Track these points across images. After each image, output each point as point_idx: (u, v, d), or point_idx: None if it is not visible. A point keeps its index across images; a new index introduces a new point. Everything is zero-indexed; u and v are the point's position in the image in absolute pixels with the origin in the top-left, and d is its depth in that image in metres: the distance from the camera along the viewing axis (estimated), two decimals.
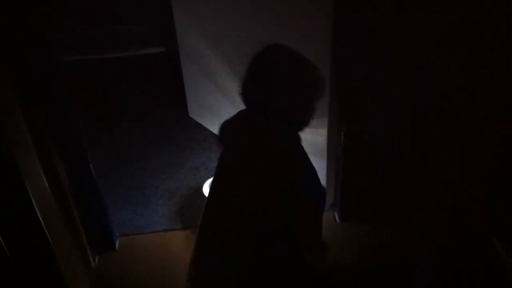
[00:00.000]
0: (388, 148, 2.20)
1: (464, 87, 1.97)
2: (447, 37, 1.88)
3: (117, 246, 2.27)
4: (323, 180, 2.28)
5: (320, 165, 2.25)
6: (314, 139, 2.25)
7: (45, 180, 1.74)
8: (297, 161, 1.33)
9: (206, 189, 2.45)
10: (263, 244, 1.34)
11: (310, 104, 1.38)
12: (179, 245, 2.30)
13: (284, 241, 1.35)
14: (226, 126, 1.51)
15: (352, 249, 2.17)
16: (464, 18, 1.83)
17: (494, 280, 1.96)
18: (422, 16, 1.84)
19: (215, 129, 3.11)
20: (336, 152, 2.18)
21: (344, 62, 1.93)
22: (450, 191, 2.26)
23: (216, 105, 2.91)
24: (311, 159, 1.36)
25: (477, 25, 1.84)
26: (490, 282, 1.97)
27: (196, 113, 3.21)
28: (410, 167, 2.24)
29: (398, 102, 2.05)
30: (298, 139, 1.38)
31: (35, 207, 1.56)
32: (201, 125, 3.18)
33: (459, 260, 2.05)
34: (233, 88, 2.70)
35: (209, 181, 2.49)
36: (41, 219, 1.60)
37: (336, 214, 2.33)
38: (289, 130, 1.37)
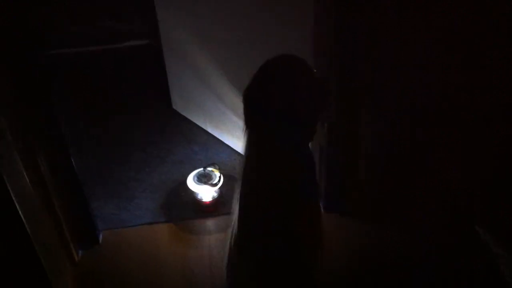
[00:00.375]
0: (388, 148, 2.20)
1: (464, 87, 1.97)
2: (447, 37, 1.88)
3: (100, 241, 2.28)
4: None
5: None
6: None
7: (26, 175, 1.74)
8: (297, 161, 1.33)
9: (190, 182, 2.44)
10: (263, 244, 1.34)
11: (312, 106, 1.38)
12: (163, 238, 2.31)
13: (284, 241, 1.35)
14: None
15: (352, 249, 2.17)
16: (464, 18, 1.83)
17: (494, 280, 1.96)
18: (422, 16, 1.84)
19: (199, 122, 3.11)
20: (320, 143, 2.18)
21: (344, 62, 1.93)
22: (450, 191, 2.26)
23: (200, 97, 2.91)
24: None
25: (477, 25, 1.84)
26: (490, 282, 1.97)
27: (180, 106, 3.20)
28: (410, 167, 2.24)
29: (398, 102, 2.05)
30: (300, 139, 1.38)
31: (15, 202, 1.55)
32: (185, 118, 3.17)
33: (459, 260, 2.05)
34: (217, 80, 2.70)
35: (193, 174, 2.48)
36: (21, 214, 1.59)
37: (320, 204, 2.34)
38: (291, 131, 1.37)
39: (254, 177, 1.35)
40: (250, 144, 1.37)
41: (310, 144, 1.42)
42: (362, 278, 2.04)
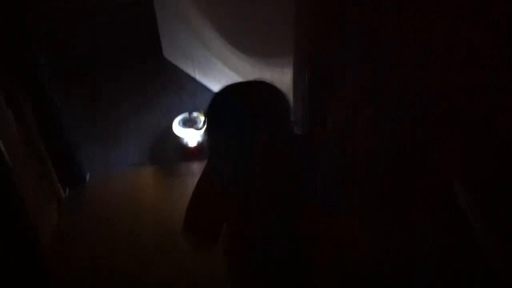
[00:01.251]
0: (388, 148, 2.20)
1: (464, 87, 1.97)
2: (447, 37, 1.88)
3: (87, 181, 2.32)
4: None
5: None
6: (280, 79, 2.26)
7: (12, 117, 1.73)
8: (298, 162, 1.33)
9: (176, 127, 2.47)
10: (263, 245, 1.34)
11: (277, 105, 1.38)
12: (148, 181, 2.36)
13: (284, 242, 1.35)
14: None
15: (352, 249, 2.17)
16: (464, 18, 1.83)
17: (494, 280, 1.96)
18: (422, 16, 1.84)
19: (188, 70, 3.14)
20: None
21: (344, 62, 1.93)
22: (450, 191, 2.26)
23: (189, 46, 2.94)
24: None
25: (477, 25, 1.84)
26: (490, 282, 1.96)
27: (170, 54, 3.23)
28: (410, 167, 2.24)
29: (398, 102, 2.04)
30: (301, 139, 1.38)
31: None
32: (175, 66, 3.20)
33: (459, 260, 2.05)
34: (206, 30, 2.73)
35: (178, 119, 2.51)
36: (3, 150, 1.58)
37: None
38: (291, 131, 1.37)
39: (254, 178, 1.35)
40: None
41: (311, 144, 1.42)
42: (362, 278, 2.03)
